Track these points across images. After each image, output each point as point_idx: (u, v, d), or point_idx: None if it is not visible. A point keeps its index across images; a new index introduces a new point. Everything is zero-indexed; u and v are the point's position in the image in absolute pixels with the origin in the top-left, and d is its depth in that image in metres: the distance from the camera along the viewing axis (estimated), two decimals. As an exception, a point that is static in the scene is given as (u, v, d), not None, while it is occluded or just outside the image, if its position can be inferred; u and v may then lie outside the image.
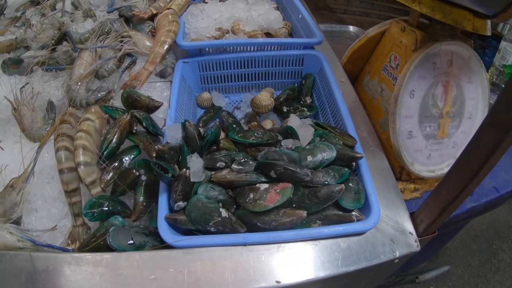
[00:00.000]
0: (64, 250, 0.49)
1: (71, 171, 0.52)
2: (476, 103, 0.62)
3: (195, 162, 0.48)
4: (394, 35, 0.62)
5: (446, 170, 0.62)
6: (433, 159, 0.61)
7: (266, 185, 0.46)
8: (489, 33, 0.57)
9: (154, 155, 0.48)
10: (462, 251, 1.27)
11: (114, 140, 0.53)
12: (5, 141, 0.60)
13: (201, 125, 0.65)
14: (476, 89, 0.62)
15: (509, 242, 1.31)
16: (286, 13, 0.89)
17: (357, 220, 0.48)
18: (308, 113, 0.66)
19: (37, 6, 0.81)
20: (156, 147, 0.48)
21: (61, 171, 0.52)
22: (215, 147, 0.52)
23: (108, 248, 0.45)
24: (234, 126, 0.57)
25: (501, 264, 1.25)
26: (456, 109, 0.60)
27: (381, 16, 1.64)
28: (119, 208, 0.51)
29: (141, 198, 0.51)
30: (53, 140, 0.56)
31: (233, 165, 0.47)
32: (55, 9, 0.78)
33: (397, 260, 0.48)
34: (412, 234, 0.50)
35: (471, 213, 0.71)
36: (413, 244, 0.49)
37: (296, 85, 0.73)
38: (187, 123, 0.50)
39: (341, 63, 0.74)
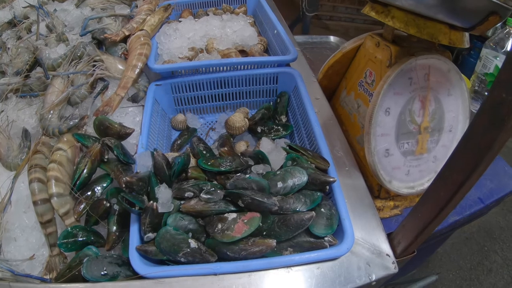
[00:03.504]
0: (42, 280, 0.49)
1: (45, 202, 0.52)
2: (456, 115, 0.60)
3: (163, 193, 0.47)
4: (369, 50, 0.61)
5: (426, 185, 0.60)
6: (413, 175, 0.60)
7: (234, 215, 0.45)
8: (467, 45, 0.55)
9: (123, 186, 0.48)
10: (453, 255, 1.26)
11: (85, 170, 0.52)
12: (-19, 170, 0.60)
13: (175, 148, 0.65)
14: (456, 101, 0.60)
15: (500, 243, 1.29)
16: (262, 28, 0.87)
17: (330, 246, 0.47)
18: (283, 132, 0.65)
19: (14, 28, 0.80)
20: (124, 179, 0.48)
21: (35, 203, 0.52)
22: (185, 175, 0.51)
23: (83, 278, 0.45)
24: (204, 152, 0.56)
25: (493, 265, 1.24)
26: (435, 123, 0.59)
27: (367, 21, 1.63)
28: (92, 238, 0.51)
29: (114, 228, 0.51)
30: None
31: (201, 194, 0.47)
32: (31, 31, 0.77)
33: (374, 283, 0.48)
34: (389, 256, 0.50)
35: (455, 226, 0.70)
36: (390, 266, 0.49)
37: (271, 103, 0.71)
38: (155, 153, 0.50)
39: (317, 79, 0.72)
